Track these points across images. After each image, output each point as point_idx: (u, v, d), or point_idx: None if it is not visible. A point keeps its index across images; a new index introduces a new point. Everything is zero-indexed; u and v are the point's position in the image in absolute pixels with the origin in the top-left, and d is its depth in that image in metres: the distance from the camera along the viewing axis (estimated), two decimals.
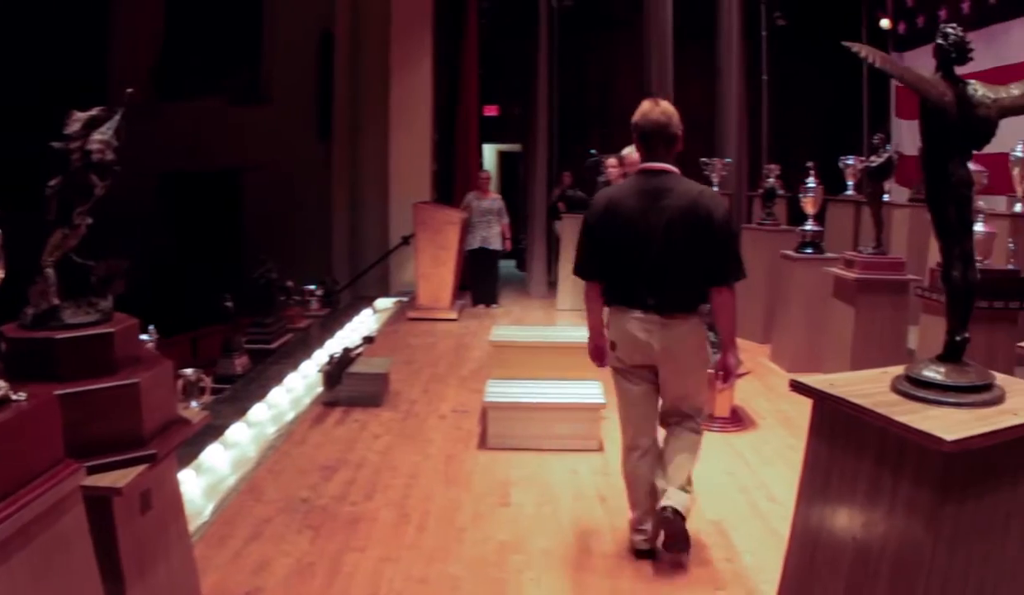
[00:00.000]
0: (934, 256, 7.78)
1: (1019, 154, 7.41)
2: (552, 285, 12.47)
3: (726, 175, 11.02)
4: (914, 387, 2.53)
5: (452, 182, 13.46)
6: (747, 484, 5.31)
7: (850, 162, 9.95)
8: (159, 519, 2.91)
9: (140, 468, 2.67)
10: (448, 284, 10.81)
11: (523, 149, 14.17)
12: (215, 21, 15.53)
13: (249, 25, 16.00)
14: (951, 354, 2.59)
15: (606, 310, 4.16)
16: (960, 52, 2.51)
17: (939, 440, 2.22)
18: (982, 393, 2.49)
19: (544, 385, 6.05)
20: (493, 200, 11.71)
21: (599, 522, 4.74)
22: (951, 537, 2.30)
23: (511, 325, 9.60)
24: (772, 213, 9.43)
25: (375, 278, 13.19)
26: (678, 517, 3.88)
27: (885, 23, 11.96)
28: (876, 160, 6.69)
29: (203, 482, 5.12)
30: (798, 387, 2.77)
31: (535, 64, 12.69)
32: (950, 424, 2.30)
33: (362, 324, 10.66)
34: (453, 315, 10.76)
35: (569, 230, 11.45)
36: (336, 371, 6.98)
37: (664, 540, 4.08)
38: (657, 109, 3.98)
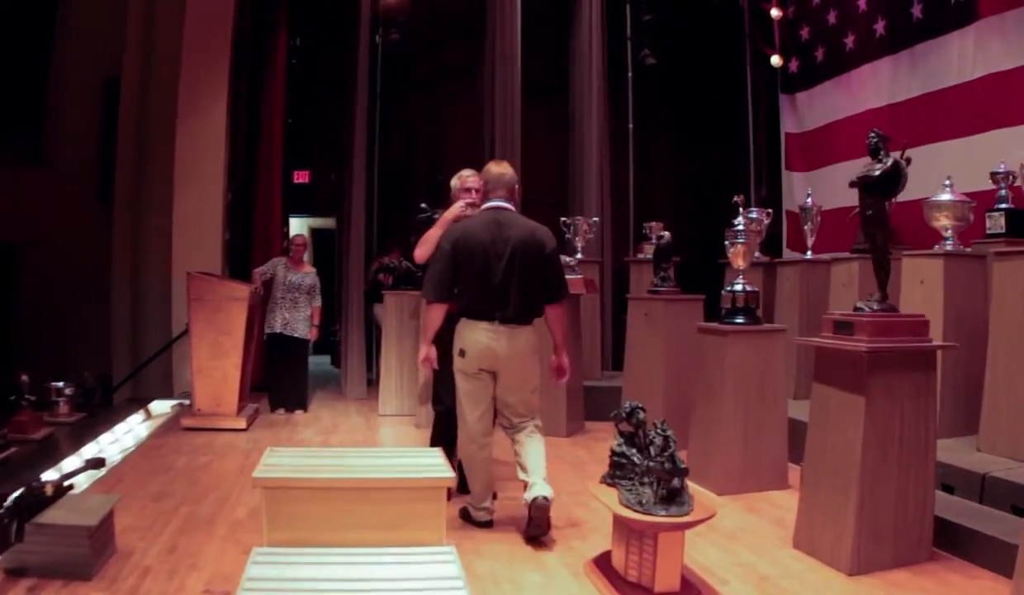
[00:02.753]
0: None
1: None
2: (373, 384, 9.59)
3: (592, 238, 8.59)
4: None
5: (249, 256, 10.40)
6: None
7: (753, 216, 7.55)
8: None
9: None
10: (233, 382, 7.64)
11: (338, 221, 11.24)
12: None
13: (33, 77, 12.77)
14: None
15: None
16: None
17: None
18: None
19: (357, 560, 3.01)
20: (305, 274, 8.68)
21: None
22: None
23: (297, 449, 4.90)
24: (668, 277, 6.83)
25: (160, 374, 9.99)
26: (548, 503, 4.36)
27: (776, 60, 9.82)
28: (876, 167, 4.11)
29: None
30: None
31: (353, 117, 9.86)
32: None
33: (127, 434, 7.71)
34: (240, 424, 7.61)
35: (393, 311, 8.75)
36: (7, 521, 3.83)
37: (529, 526, 4.40)
38: (497, 168, 4.76)
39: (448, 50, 11.91)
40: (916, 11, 7.77)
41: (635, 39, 10.62)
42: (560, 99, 10.22)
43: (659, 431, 3.51)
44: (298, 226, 13.61)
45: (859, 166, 8.16)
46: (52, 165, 12.71)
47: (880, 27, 8.30)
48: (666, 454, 3.40)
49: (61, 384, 8.44)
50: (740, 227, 5.51)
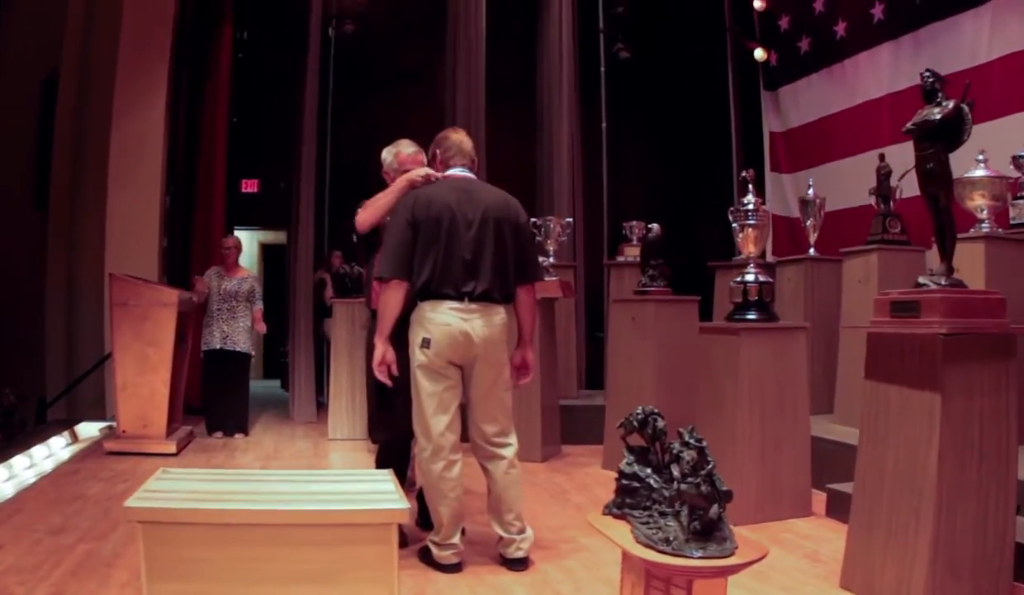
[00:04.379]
0: None
1: None
2: (323, 406, 8.59)
3: (565, 241, 7.72)
4: None
5: (187, 266, 9.41)
6: None
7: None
8: None
9: None
10: (162, 400, 6.61)
11: (288, 231, 10.27)
12: None
13: None
14: None
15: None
16: None
17: None
18: None
19: None
20: (241, 280, 7.64)
21: None
22: None
23: (197, 471, 3.24)
24: (656, 275, 5.90)
25: (94, 394, 8.90)
26: (525, 568, 3.76)
27: (759, 53, 9.04)
28: (935, 111, 3.24)
29: None
30: None
31: (301, 116, 8.92)
32: None
33: (48, 459, 6.72)
34: (170, 448, 6.58)
35: (343, 323, 7.75)
36: None
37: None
38: (456, 135, 4.04)
39: (407, 45, 11.01)
40: None
41: (608, 32, 9.84)
42: (527, 98, 9.39)
43: (689, 441, 2.55)
44: (246, 239, 12.63)
45: (860, 163, 7.51)
46: None
47: (878, 11, 7.63)
48: (702, 473, 2.44)
49: None
50: (750, 207, 4.59)
